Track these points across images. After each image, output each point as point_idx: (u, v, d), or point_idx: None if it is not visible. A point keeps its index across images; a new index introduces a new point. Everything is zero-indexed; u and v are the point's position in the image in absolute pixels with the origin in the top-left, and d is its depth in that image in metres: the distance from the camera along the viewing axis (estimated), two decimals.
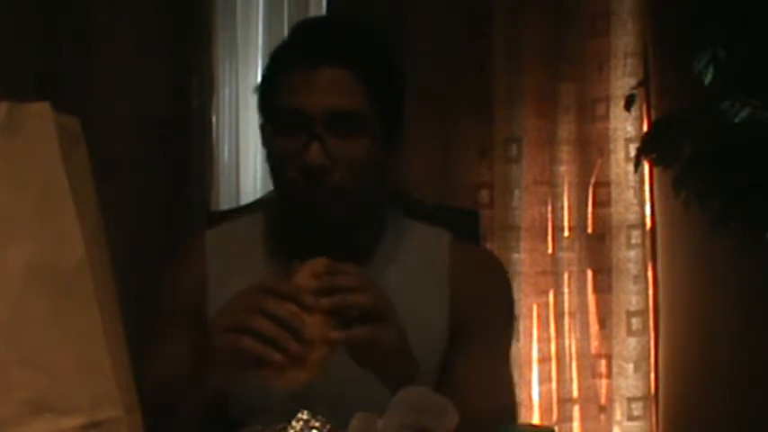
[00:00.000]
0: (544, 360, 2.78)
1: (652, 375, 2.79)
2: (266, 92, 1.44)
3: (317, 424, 1.09)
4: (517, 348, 2.72)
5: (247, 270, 1.48)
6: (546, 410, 2.78)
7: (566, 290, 2.81)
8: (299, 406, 1.12)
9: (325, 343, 1.21)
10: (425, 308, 1.46)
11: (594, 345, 2.82)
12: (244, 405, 1.40)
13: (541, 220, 2.80)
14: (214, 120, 2.66)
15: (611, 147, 2.79)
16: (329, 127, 1.35)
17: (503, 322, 1.56)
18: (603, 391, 2.82)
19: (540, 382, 2.78)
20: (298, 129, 1.36)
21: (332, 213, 1.39)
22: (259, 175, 2.77)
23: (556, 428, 2.48)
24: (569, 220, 2.83)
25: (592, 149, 2.82)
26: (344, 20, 1.50)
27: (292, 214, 1.45)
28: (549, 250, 2.81)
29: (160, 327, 1.50)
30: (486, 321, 1.50)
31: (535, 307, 2.78)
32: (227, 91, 2.71)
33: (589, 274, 2.83)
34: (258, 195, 2.53)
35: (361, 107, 1.38)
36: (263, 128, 1.45)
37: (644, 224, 2.79)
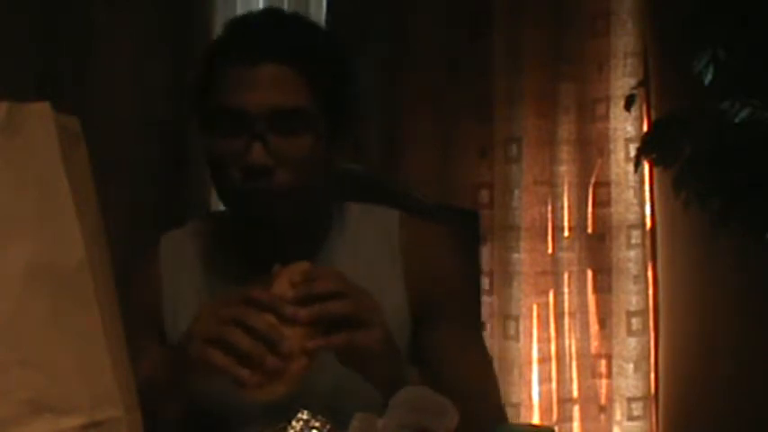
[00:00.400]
0: (544, 360, 2.78)
1: (652, 375, 2.79)
2: (203, 91, 1.39)
3: (316, 424, 1.09)
4: (517, 348, 2.73)
5: (197, 275, 1.47)
6: (546, 410, 2.78)
7: (566, 290, 2.81)
8: (299, 406, 1.12)
9: (304, 353, 1.19)
10: (382, 292, 1.40)
11: (594, 345, 2.82)
12: (228, 408, 1.40)
13: (541, 220, 2.80)
14: None
15: (611, 147, 2.79)
16: (271, 125, 1.32)
17: (463, 293, 1.54)
18: (603, 391, 2.82)
19: (540, 382, 2.78)
20: (238, 129, 1.32)
21: (277, 213, 1.36)
22: None
23: (556, 428, 2.47)
24: (569, 220, 2.82)
25: (592, 149, 2.82)
26: (283, 14, 1.46)
27: (237, 216, 1.42)
28: (549, 250, 2.81)
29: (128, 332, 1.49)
30: (445, 294, 1.47)
31: (535, 307, 2.78)
32: None
33: (589, 274, 2.83)
34: None
35: (303, 104, 1.34)
36: (200, 129, 1.40)
37: (644, 224, 2.79)
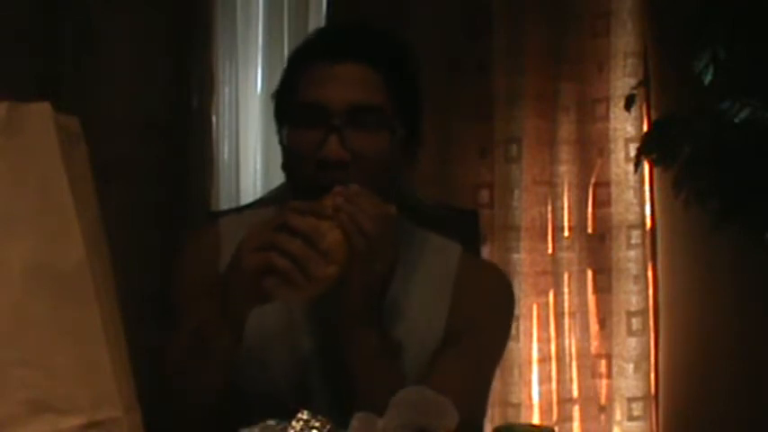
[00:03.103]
0: (544, 360, 2.78)
1: (652, 375, 2.79)
2: (286, 89, 1.44)
3: (316, 424, 1.09)
4: (517, 348, 2.72)
5: None
6: (546, 410, 2.78)
7: (566, 290, 2.81)
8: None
9: (335, 262, 1.25)
10: (428, 319, 1.46)
11: (594, 345, 2.82)
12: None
13: (541, 220, 2.80)
14: (214, 120, 2.65)
15: (611, 147, 2.79)
16: (348, 120, 1.36)
17: (490, 334, 1.54)
18: (603, 391, 2.82)
19: (540, 382, 2.78)
20: (317, 122, 1.37)
21: None
22: (259, 174, 2.77)
23: (556, 428, 2.47)
24: (569, 220, 2.83)
25: (592, 149, 2.82)
26: (364, 24, 1.52)
27: None
28: (549, 250, 2.81)
29: (177, 311, 1.50)
30: (473, 330, 1.48)
31: (535, 307, 2.78)
32: (227, 91, 2.71)
33: (589, 274, 2.83)
34: (258, 195, 2.52)
35: (380, 102, 1.39)
36: (279, 129, 1.44)
37: (644, 224, 2.79)
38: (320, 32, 1.51)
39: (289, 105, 1.43)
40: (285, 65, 1.48)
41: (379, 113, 1.38)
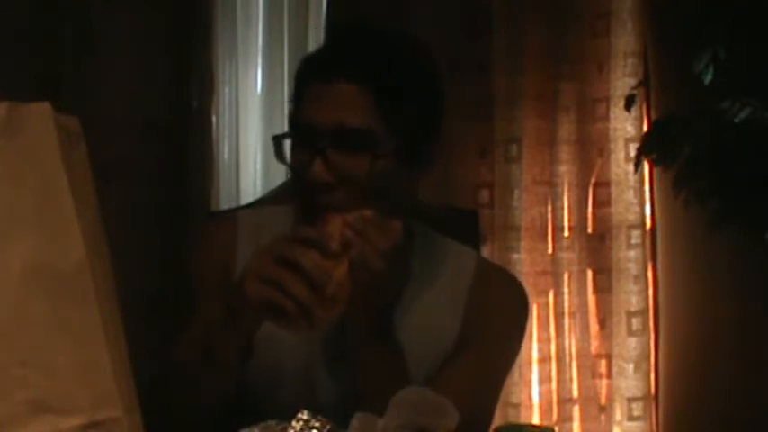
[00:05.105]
0: (544, 360, 2.78)
1: (652, 375, 2.79)
2: (291, 105, 1.45)
3: (316, 424, 1.09)
4: None
5: None
6: (546, 410, 2.78)
7: (566, 290, 2.81)
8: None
9: (340, 301, 1.24)
10: (441, 326, 1.46)
11: (594, 345, 2.82)
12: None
13: (541, 220, 2.80)
14: (214, 120, 2.66)
15: (611, 147, 2.79)
16: (335, 142, 1.34)
17: (500, 342, 1.53)
18: (603, 391, 2.82)
19: (540, 382, 2.78)
20: (306, 143, 1.36)
21: None
22: (259, 174, 2.77)
23: (556, 428, 2.47)
24: (569, 220, 2.83)
25: (592, 149, 2.82)
26: (377, 32, 1.46)
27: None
28: (549, 250, 2.81)
29: (195, 303, 1.50)
30: (483, 336, 1.47)
31: (535, 307, 2.78)
32: (227, 91, 2.71)
33: (589, 274, 2.83)
34: (258, 195, 2.53)
35: (367, 123, 1.35)
36: (275, 140, 1.43)
37: (644, 224, 2.79)
38: (322, 47, 1.48)
39: (289, 124, 1.44)
40: (290, 75, 1.49)
41: (365, 134, 1.35)
